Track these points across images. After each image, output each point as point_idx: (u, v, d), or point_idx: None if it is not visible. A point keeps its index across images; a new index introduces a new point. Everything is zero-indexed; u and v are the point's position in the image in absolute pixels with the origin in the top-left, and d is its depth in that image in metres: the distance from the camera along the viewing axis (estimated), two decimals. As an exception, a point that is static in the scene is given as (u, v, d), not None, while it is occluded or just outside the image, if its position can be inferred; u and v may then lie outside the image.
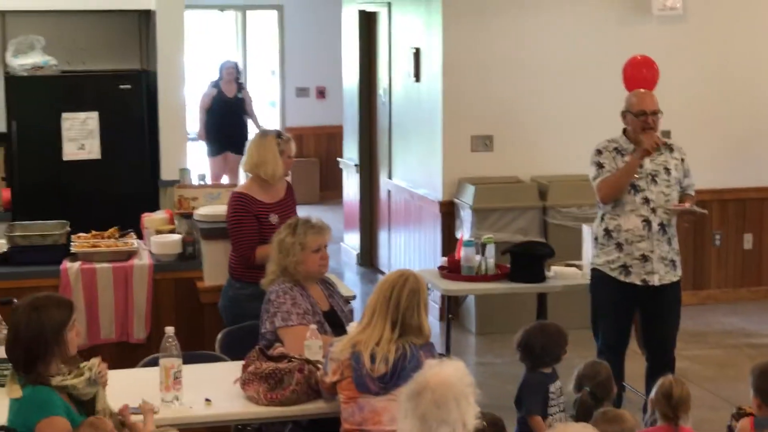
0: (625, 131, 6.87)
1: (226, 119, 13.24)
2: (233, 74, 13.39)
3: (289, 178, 7.00)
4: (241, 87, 13.49)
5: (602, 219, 6.86)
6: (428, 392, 3.78)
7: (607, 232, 6.82)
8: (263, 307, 5.78)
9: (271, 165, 6.65)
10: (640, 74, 8.56)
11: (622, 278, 6.78)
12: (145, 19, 9.57)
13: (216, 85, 13.30)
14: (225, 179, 12.76)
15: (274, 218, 6.61)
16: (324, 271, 5.96)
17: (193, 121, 12.59)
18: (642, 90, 7.16)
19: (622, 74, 8.62)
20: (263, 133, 6.89)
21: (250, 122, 13.51)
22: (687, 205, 6.78)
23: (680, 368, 7.27)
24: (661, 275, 6.78)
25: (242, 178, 7.88)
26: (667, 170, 6.79)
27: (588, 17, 9.83)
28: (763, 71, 10.24)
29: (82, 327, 6.95)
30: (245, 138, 12.55)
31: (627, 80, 8.56)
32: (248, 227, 6.54)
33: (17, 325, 4.42)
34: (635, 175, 6.71)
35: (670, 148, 6.88)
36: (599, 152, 6.86)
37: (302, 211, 6.54)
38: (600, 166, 6.83)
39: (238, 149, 11.91)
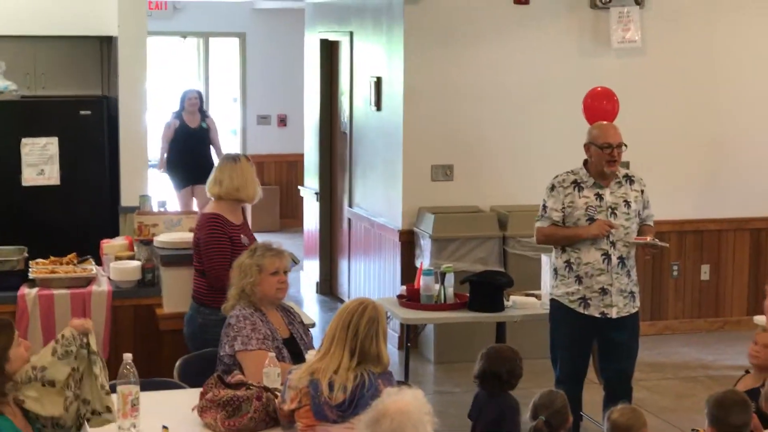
0: (585, 163, 6.90)
1: (190, 151, 12.77)
2: (196, 104, 12.87)
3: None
4: (204, 115, 13.01)
5: (563, 251, 6.89)
6: (387, 420, 3.78)
7: (568, 264, 6.85)
8: (223, 331, 5.79)
9: (251, 187, 6.72)
10: (600, 106, 8.63)
11: (581, 310, 6.81)
12: (107, 44, 9.56)
13: (178, 115, 12.79)
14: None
15: (244, 239, 6.63)
16: (281, 295, 5.96)
17: (155, 151, 12.37)
18: (605, 122, 7.22)
19: (582, 105, 8.69)
20: (233, 158, 6.89)
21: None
22: (648, 238, 6.83)
23: (638, 398, 7.31)
24: (620, 308, 6.82)
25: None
26: (627, 203, 6.84)
27: (549, 48, 9.90)
28: (722, 103, 10.34)
29: (39, 353, 6.91)
30: (211, 168, 12.19)
31: (587, 111, 8.62)
32: (225, 249, 6.53)
33: None
34: (596, 209, 6.75)
35: (631, 180, 6.92)
36: (552, 188, 6.88)
37: (262, 238, 6.54)
38: (544, 207, 6.88)
39: (206, 180, 11.75)
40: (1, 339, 4.38)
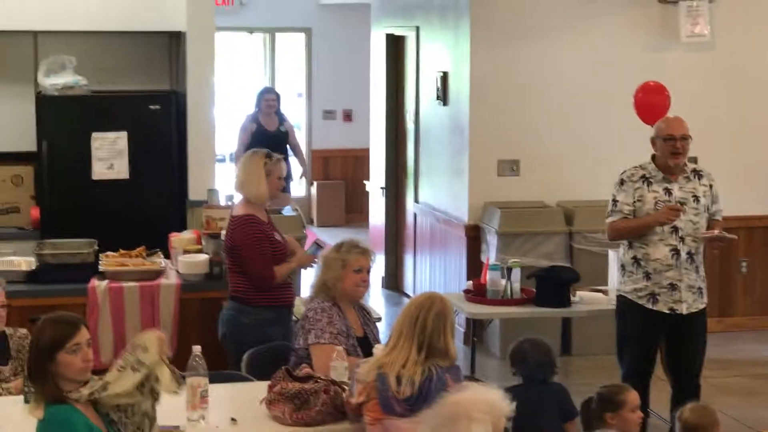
0: (653, 158, 6.86)
1: None
2: (274, 106, 11.92)
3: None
4: (282, 119, 12.04)
5: (630, 246, 6.85)
6: (443, 408, 3.76)
7: (636, 260, 6.81)
8: (299, 323, 5.84)
9: (255, 185, 6.59)
10: (650, 100, 8.54)
11: (649, 306, 6.77)
12: (175, 40, 9.62)
13: (255, 118, 11.87)
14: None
15: (277, 236, 6.64)
16: (361, 293, 5.97)
17: (222, 146, 11.99)
18: (671, 115, 7.17)
19: (633, 100, 8.60)
20: (252, 152, 6.81)
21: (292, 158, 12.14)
22: (716, 231, 6.77)
23: (705, 395, 7.24)
24: (689, 303, 6.77)
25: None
26: (696, 198, 6.79)
27: (616, 43, 9.85)
28: (792, 99, 10.24)
29: (109, 345, 7.00)
30: (290, 177, 11.74)
31: (637, 106, 8.54)
32: (265, 247, 6.53)
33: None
34: (666, 204, 6.70)
35: (699, 175, 6.87)
36: (621, 183, 6.85)
37: (327, 234, 6.57)
38: (614, 201, 6.83)
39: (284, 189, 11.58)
40: (54, 333, 4.33)
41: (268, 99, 11.91)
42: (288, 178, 11.79)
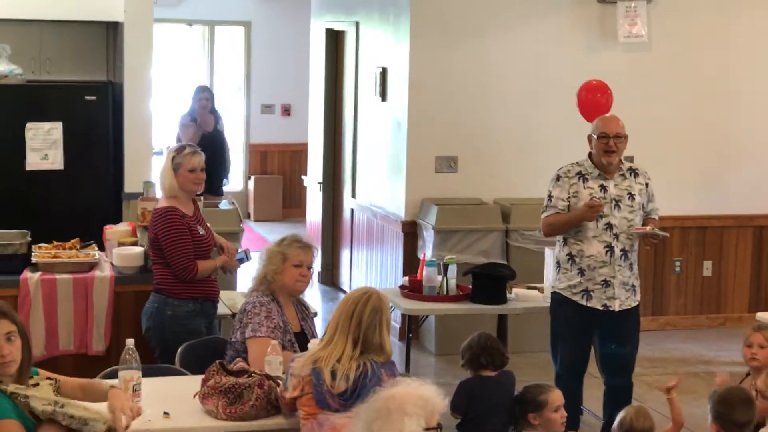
0: (590, 155, 6.90)
1: (209, 158, 11.42)
2: (208, 105, 11.76)
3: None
4: (217, 117, 11.94)
5: (565, 243, 6.88)
6: (376, 402, 3.76)
7: (570, 257, 6.84)
8: (237, 317, 5.83)
9: (163, 177, 6.60)
10: (594, 98, 8.61)
11: (583, 302, 6.80)
12: (113, 30, 9.55)
13: (194, 118, 11.65)
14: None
15: (201, 229, 6.62)
16: (300, 288, 5.95)
17: (158, 140, 11.70)
18: (608, 114, 7.21)
19: (577, 98, 8.67)
20: (173, 146, 6.83)
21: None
22: (649, 228, 6.82)
23: (638, 393, 7.30)
24: (622, 300, 6.81)
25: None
26: (631, 195, 6.83)
27: (555, 42, 9.89)
28: (728, 99, 10.33)
29: (41, 338, 6.92)
30: (226, 174, 11.92)
31: (581, 104, 8.61)
32: (185, 239, 6.50)
33: None
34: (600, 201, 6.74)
35: (635, 173, 6.91)
36: (557, 178, 6.89)
37: (264, 228, 6.55)
38: (549, 197, 6.87)
39: (221, 190, 11.67)
40: None
41: (202, 98, 11.77)
42: (222, 175, 11.76)
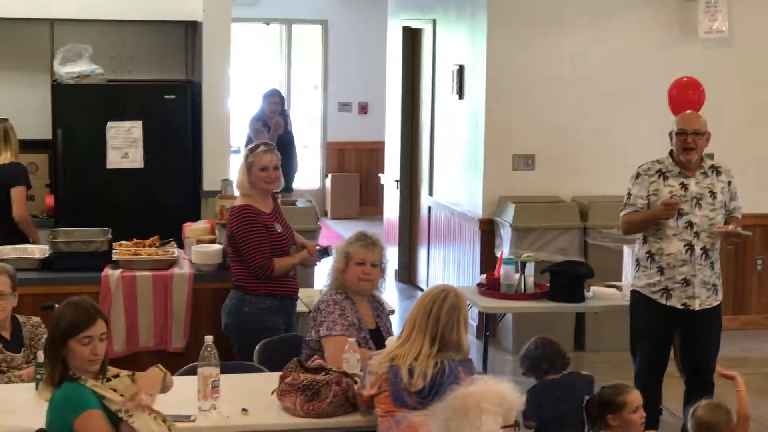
0: (671, 153, 6.84)
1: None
2: (277, 109, 11.75)
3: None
4: (286, 118, 11.98)
5: (645, 241, 6.82)
6: (454, 400, 3.75)
7: (650, 255, 6.78)
8: (311, 315, 5.85)
9: (238, 177, 6.69)
10: (685, 96, 8.54)
11: (662, 301, 6.73)
12: (191, 30, 9.62)
13: (265, 123, 11.59)
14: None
15: (278, 227, 6.64)
16: (364, 287, 5.92)
17: (236, 138, 11.68)
18: (689, 111, 7.13)
19: (668, 95, 8.60)
20: (249, 147, 6.87)
21: None
22: (731, 226, 6.74)
23: (718, 393, 7.20)
24: (702, 300, 6.73)
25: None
26: (713, 194, 6.75)
27: (634, 38, 9.82)
28: (810, 96, 10.20)
29: (121, 334, 7.00)
30: (294, 171, 11.88)
31: (672, 101, 8.53)
32: (261, 237, 6.54)
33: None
34: (681, 199, 6.67)
35: (718, 171, 6.83)
36: (637, 176, 6.83)
37: (341, 226, 6.57)
38: (629, 195, 6.82)
39: (288, 188, 11.58)
40: (72, 319, 4.44)
41: (272, 102, 11.77)
42: (292, 173, 11.77)
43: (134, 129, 8.89)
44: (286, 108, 12.23)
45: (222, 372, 5.07)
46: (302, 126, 16.29)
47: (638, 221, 6.77)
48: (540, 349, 6.00)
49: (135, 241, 7.51)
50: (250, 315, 6.58)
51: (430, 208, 11.14)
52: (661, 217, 6.66)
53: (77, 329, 4.43)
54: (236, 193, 7.08)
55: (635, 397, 5.46)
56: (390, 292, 11.36)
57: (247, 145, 10.95)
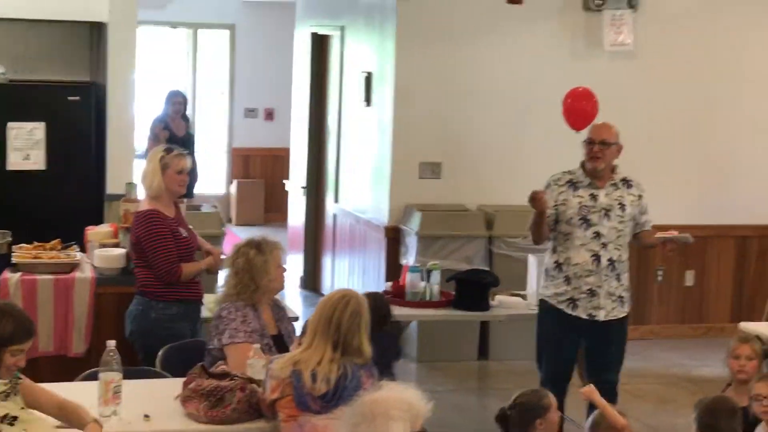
0: (583, 164, 6.89)
1: None
2: (181, 110, 11.83)
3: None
4: (187, 120, 12.04)
5: (554, 251, 6.87)
6: (362, 407, 3.73)
7: (557, 265, 6.82)
8: (213, 323, 5.76)
9: (149, 178, 6.55)
10: (579, 105, 8.56)
11: (568, 311, 6.78)
12: (96, 31, 9.50)
13: (165, 124, 11.62)
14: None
15: (183, 232, 6.58)
16: (283, 286, 5.97)
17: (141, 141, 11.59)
18: (602, 122, 7.19)
19: (562, 105, 8.64)
20: (154, 148, 6.82)
21: None
22: (675, 232, 6.83)
23: (620, 402, 7.27)
24: (608, 311, 6.79)
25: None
26: (622, 206, 6.81)
27: (541, 49, 9.89)
28: (713, 109, 10.35)
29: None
30: (195, 177, 11.57)
31: (566, 111, 8.56)
32: (167, 242, 6.47)
33: None
34: (590, 209, 6.72)
35: (628, 184, 6.90)
36: (547, 186, 6.88)
37: (246, 233, 6.52)
38: None
39: (190, 194, 11.49)
40: (14, 330, 4.44)
41: (176, 103, 11.78)
42: (193, 177, 11.65)
43: (36, 130, 8.76)
44: (187, 112, 12.18)
45: (124, 377, 4.99)
46: (208, 131, 16.18)
47: (530, 226, 6.81)
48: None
49: (36, 244, 7.38)
50: (156, 321, 6.50)
51: (335, 216, 11.11)
52: (535, 210, 6.68)
53: (13, 341, 4.43)
54: (140, 197, 6.99)
55: (552, 397, 5.47)
56: (294, 299, 11.33)
57: (148, 148, 10.90)
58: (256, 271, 5.76)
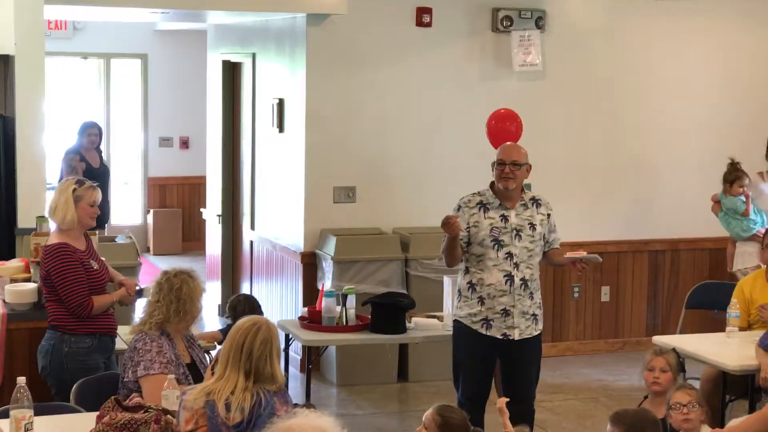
0: (492, 185, 6.93)
1: None
2: (96, 141, 11.62)
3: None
4: (100, 154, 11.81)
5: (466, 272, 6.90)
6: None
7: (471, 285, 6.86)
8: (127, 355, 5.72)
9: (62, 210, 6.49)
10: (503, 127, 8.67)
11: (483, 331, 6.82)
12: (3, 63, 9.38)
13: (81, 156, 11.38)
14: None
15: (94, 264, 6.54)
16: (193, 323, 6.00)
17: (52, 175, 11.42)
18: (509, 143, 7.26)
19: (486, 127, 8.73)
20: (65, 180, 6.77)
21: None
22: (583, 252, 6.89)
23: (540, 419, 7.34)
24: (522, 330, 6.84)
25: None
26: (532, 225, 6.87)
27: (451, 71, 9.95)
28: (621, 126, 10.48)
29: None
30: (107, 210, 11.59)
31: (490, 133, 8.67)
32: (78, 275, 6.41)
33: None
34: (501, 230, 6.77)
35: (537, 203, 6.96)
36: (458, 208, 6.92)
37: (165, 262, 6.48)
38: None
39: (103, 225, 11.39)
40: None
41: (91, 134, 11.61)
42: (107, 208, 11.54)
43: (-57, 165, 8.63)
44: (101, 144, 11.98)
45: (36, 414, 4.94)
46: (123, 161, 16.06)
47: (444, 250, 6.85)
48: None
49: (-55, 280, 7.27)
50: (69, 355, 6.43)
51: (252, 242, 11.08)
52: (448, 235, 6.72)
53: None
54: (51, 230, 6.92)
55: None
56: (213, 327, 11.23)
57: (61, 179, 10.78)
58: (189, 297, 5.77)
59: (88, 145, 11.57)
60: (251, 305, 7.73)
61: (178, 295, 5.81)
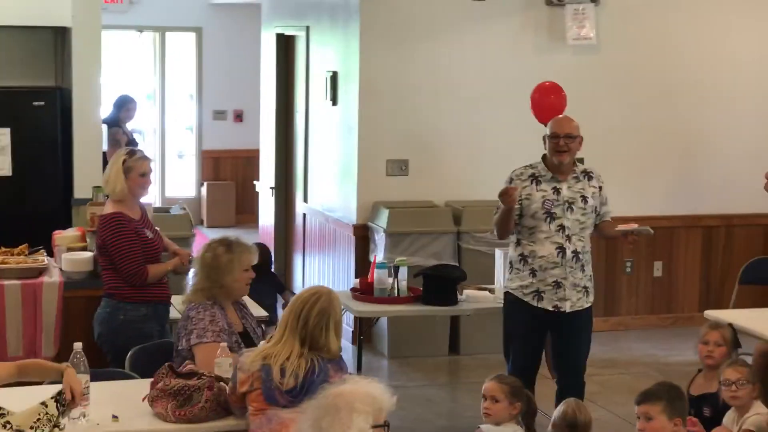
0: (544, 157, 6.92)
1: None
2: (132, 116, 12.08)
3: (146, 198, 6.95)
4: (132, 129, 12.10)
5: (518, 244, 6.90)
6: (324, 399, 3.76)
7: (522, 258, 6.85)
8: (181, 324, 5.76)
9: (112, 182, 6.57)
10: (547, 100, 8.65)
11: (534, 303, 6.82)
12: (60, 36, 9.49)
13: (120, 128, 11.62)
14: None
15: (149, 233, 6.60)
16: (247, 290, 5.98)
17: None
18: (562, 115, 7.24)
19: (530, 100, 8.71)
20: (117, 151, 6.83)
21: None
22: (634, 225, 6.87)
23: (590, 393, 7.33)
24: (573, 302, 6.83)
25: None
26: (584, 198, 6.85)
27: (504, 45, 9.93)
28: (676, 100, 10.41)
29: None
30: None
31: (534, 106, 8.65)
32: (133, 245, 6.48)
33: None
34: (553, 203, 6.76)
35: (589, 176, 6.93)
36: (509, 181, 6.89)
37: (217, 235, 6.53)
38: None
39: None
40: None
41: (131, 109, 11.88)
42: None
43: (2, 136, 8.76)
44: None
45: (92, 379, 5.00)
46: (177, 134, 16.17)
47: (497, 221, 6.85)
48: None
49: (3, 249, 7.38)
50: (125, 323, 6.52)
51: (305, 215, 11.14)
52: (505, 206, 6.71)
53: None
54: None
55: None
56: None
57: (108, 153, 10.90)
58: (220, 268, 5.79)
59: (126, 118, 11.77)
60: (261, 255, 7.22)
61: (212, 265, 5.84)
